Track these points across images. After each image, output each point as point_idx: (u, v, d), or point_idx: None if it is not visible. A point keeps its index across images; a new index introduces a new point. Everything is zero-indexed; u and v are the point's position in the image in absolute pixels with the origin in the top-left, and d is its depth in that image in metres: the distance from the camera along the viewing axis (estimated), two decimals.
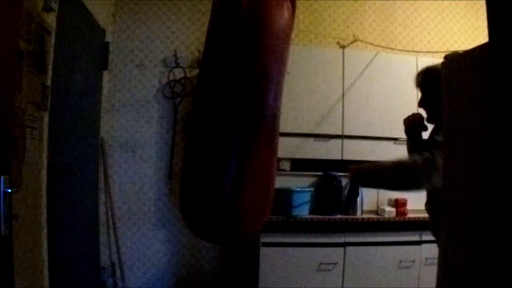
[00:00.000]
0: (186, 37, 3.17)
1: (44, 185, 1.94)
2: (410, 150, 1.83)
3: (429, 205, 1.70)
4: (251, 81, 1.46)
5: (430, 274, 1.64)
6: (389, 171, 1.64)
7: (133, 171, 3.08)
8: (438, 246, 1.49)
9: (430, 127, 1.76)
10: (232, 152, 1.45)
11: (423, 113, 1.77)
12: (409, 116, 1.81)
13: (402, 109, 2.93)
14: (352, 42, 3.23)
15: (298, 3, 1.69)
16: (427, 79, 1.72)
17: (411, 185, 1.68)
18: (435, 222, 1.63)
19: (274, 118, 1.54)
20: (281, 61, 1.54)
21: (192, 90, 3.09)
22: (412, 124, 1.79)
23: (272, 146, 1.57)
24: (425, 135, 1.76)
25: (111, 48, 3.06)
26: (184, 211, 1.62)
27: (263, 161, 1.52)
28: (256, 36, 1.45)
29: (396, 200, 2.87)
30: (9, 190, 1.23)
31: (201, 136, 1.52)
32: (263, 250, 2.67)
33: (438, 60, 1.35)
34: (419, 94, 1.77)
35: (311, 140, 2.93)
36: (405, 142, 1.84)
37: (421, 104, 1.75)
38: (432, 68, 1.70)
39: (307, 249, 2.70)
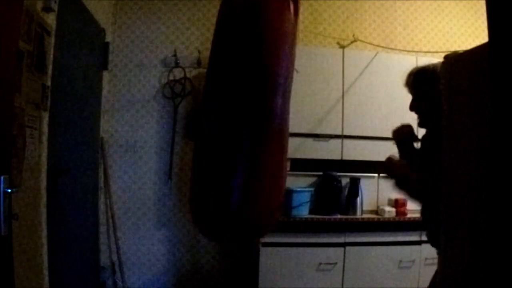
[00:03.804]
0: (186, 37, 3.17)
1: (44, 185, 1.94)
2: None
3: (425, 211, 1.65)
4: (259, 83, 1.45)
5: (430, 274, 1.63)
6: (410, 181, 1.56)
7: (133, 171, 3.08)
8: (435, 248, 1.48)
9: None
10: (242, 155, 1.43)
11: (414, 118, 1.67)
12: (398, 128, 1.72)
13: (402, 109, 2.94)
14: (352, 42, 3.23)
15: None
16: (419, 81, 1.58)
17: (420, 199, 1.65)
18: (432, 227, 1.60)
19: (283, 119, 1.53)
20: (288, 62, 1.53)
21: (191, 90, 3.10)
22: (401, 135, 1.71)
23: (282, 148, 1.56)
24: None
25: (111, 48, 3.06)
26: (194, 214, 1.61)
27: (274, 163, 1.50)
28: (262, 38, 1.44)
29: (396, 200, 2.87)
30: (9, 190, 1.23)
31: (209, 139, 1.51)
32: (263, 250, 2.67)
33: (436, 59, 1.33)
34: (409, 96, 1.66)
35: (311, 140, 2.93)
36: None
37: (412, 107, 1.62)
38: (425, 69, 1.58)
39: (307, 249, 2.70)
